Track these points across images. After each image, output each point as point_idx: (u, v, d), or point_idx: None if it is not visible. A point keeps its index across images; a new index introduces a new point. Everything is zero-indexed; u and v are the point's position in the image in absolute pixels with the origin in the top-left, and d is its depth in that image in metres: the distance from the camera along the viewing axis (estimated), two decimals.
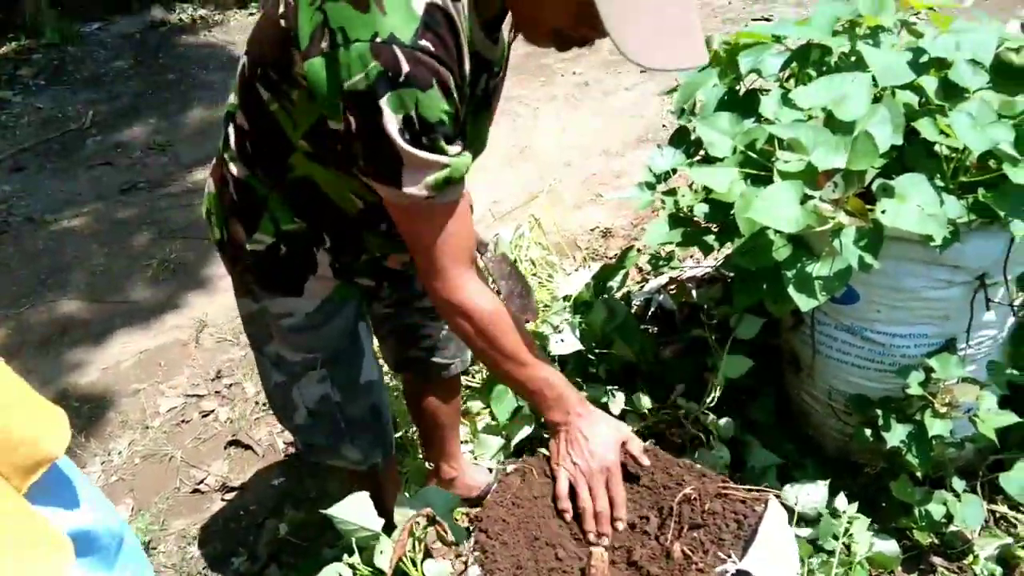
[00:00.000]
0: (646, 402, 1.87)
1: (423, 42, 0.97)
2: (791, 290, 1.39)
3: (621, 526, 1.16)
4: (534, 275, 2.52)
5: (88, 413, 2.48)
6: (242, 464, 2.26)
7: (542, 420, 1.45)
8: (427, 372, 1.72)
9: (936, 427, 1.52)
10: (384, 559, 1.24)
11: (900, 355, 1.62)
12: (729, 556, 1.02)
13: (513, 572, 1.06)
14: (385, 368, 1.77)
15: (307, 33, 1.01)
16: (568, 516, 1.17)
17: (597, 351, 2.06)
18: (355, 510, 1.30)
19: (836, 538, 1.54)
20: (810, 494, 1.68)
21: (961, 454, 1.71)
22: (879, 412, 1.63)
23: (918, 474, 1.66)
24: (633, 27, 0.94)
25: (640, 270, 2.68)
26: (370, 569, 1.24)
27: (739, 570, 0.98)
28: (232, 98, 1.24)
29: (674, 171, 1.75)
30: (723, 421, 1.76)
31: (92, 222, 3.48)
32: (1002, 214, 1.30)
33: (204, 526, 2.08)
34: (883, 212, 1.28)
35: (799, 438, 1.94)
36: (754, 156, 1.48)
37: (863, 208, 1.29)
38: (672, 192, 1.74)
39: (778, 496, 1.14)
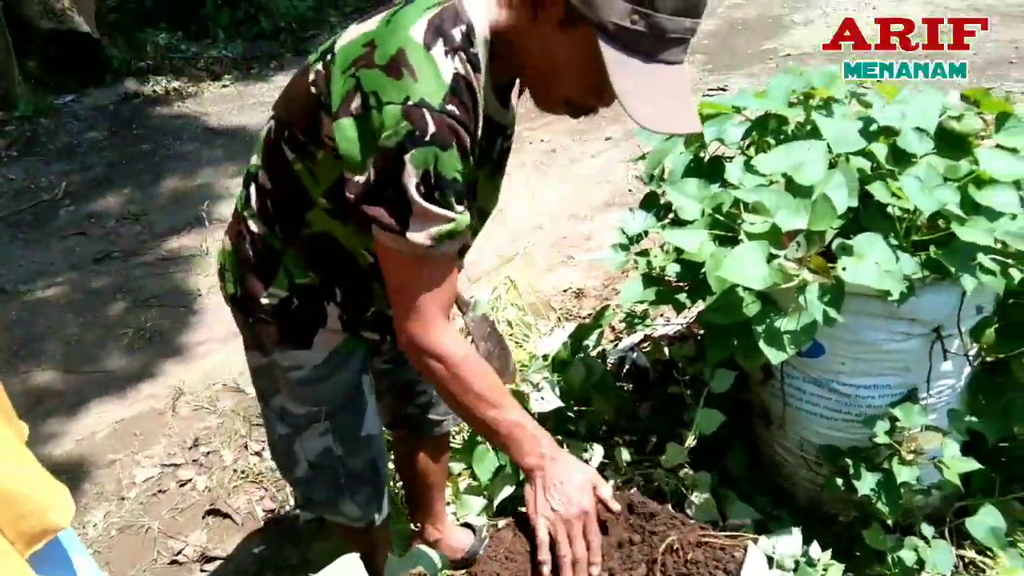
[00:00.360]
0: (625, 456, 1.92)
1: (449, 107, 1.06)
2: (762, 344, 1.46)
3: (596, 571, 1.15)
4: (511, 336, 2.58)
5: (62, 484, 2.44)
6: (221, 533, 2.24)
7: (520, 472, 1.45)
8: (420, 429, 1.75)
9: (904, 474, 1.58)
10: None
11: (866, 405, 1.69)
12: None
13: None
14: None
15: (339, 96, 1.10)
16: (547, 569, 1.15)
17: (576, 408, 2.10)
18: (345, 574, 1.32)
19: None
20: (786, 543, 1.72)
21: (928, 501, 1.78)
22: (849, 461, 1.69)
23: (888, 522, 1.72)
24: (641, 101, 1.04)
25: (613, 329, 2.75)
26: None
27: None
28: (254, 159, 1.31)
29: (645, 233, 1.84)
30: (700, 474, 1.81)
31: (66, 292, 3.47)
32: (952, 269, 1.40)
33: None
34: (843, 269, 1.37)
35: (772, 489, 1.99)
36: (721, 219, 1.57)
37: (825, 266, 1.38)
38: (644, 253, 1.82)
39: (755, 541, 1.18)
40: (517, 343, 2.53)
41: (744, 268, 1.41)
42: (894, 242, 1.48)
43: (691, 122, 1.10)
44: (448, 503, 2.08)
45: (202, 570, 2.13)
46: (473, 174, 1.21)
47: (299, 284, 1.30)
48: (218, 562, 2.14)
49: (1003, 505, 1.75)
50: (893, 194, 1.45)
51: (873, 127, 1.60)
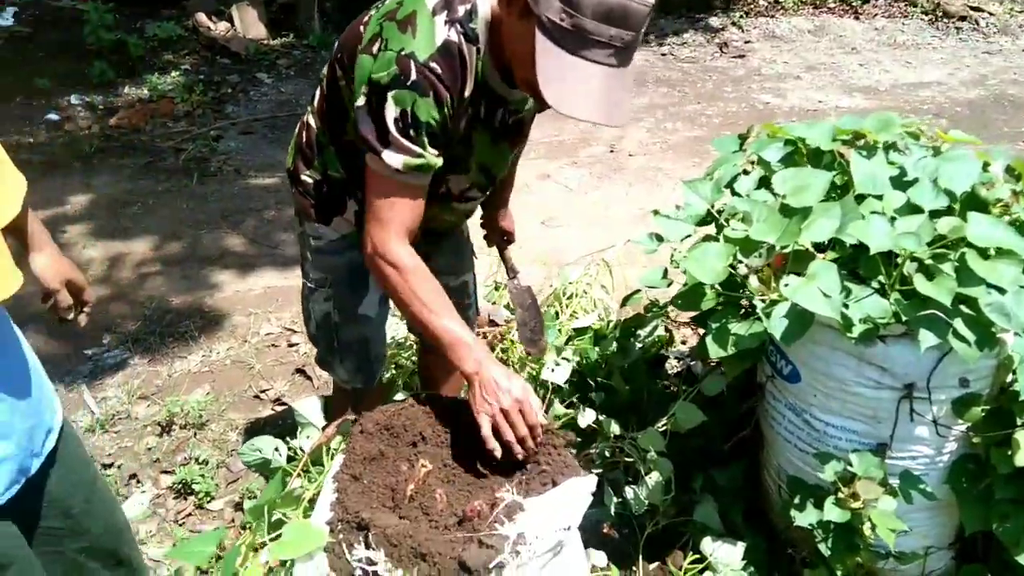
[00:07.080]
0: (615, 428, 2.06)
1: (432, 64, 1.34)
2: (708, 339, 1.57)
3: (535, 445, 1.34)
4: (584, 310, 2.74)
5: (209, 318, 3.09)
6: (299, 388, 2.71)
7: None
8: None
9: (833, 514, 1.59)
10: (306, 442, 1.58)
11: (832, 446, 1.70)
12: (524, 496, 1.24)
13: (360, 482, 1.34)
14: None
15: (368, 38, 1.41)
16: (498, 453, 1.33)
17: (598, 379, 2.27)
18: (308, 408, 1.66)
19: None
20: (726, 551, 1.80)
21: (896, 570, 1.74)
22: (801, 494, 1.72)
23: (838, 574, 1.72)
24: (556, 84, 1.26)
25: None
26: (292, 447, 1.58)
27: (514, 501, 1.21)
28: (325, 69, 1.67)
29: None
30: (663, 460, 1.90)
31: (281, 184, 4.19)
32: (904, 318, 1.41)
33: (249, 422, 2.54)
34: (786, 285, 1.44)
35: (755, 512, 2.02)
36: (715, 218, 1.68)
37: (770, 279, 1.46)
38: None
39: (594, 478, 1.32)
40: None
41: (704, 262, 1.52)
42: (876, 285, 1.50)
43: (597, 113, 1.27)
44: None
45: (272, 409, 2.61)
46: (462, 131, 1.47)
47: (330, 175, 1.64)
48: (285, 408, 2.61)
49: None
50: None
51: (908, 177, 1.61)
